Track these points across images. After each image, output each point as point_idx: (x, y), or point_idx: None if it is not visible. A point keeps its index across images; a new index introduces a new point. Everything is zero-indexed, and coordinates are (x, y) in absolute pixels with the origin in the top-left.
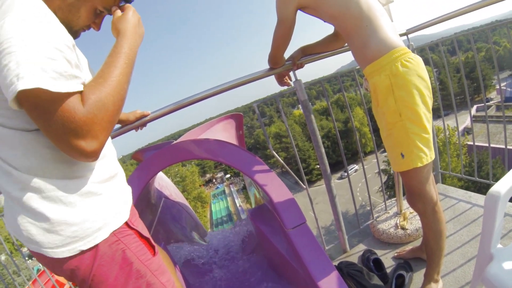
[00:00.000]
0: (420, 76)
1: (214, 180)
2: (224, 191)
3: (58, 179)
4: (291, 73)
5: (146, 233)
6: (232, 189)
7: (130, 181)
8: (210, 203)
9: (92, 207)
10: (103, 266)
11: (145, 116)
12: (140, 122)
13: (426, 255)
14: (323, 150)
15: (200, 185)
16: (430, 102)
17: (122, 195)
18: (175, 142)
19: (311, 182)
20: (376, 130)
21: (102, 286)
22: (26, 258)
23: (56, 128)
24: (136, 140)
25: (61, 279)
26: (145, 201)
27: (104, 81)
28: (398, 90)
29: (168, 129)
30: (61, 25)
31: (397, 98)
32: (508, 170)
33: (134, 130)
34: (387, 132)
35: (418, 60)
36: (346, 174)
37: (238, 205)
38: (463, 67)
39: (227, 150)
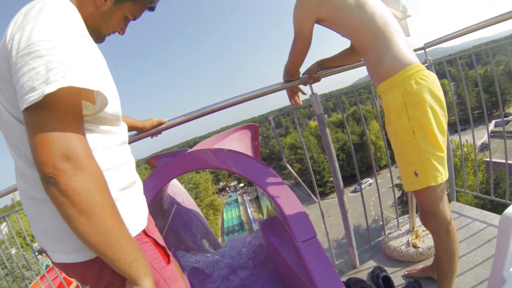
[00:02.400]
0: (434, 94)
1: (227, 189)
2: (237, 199)
3: None
4: (307, 86)
5: (161, 241)
6: (245, 198)
7: (144, 186)
8: (222, 211)
9: None
10: (117, 273)
11: (161, 123)
12: (155, 130)
13: (438, 275)
14: (337, 164)
15: (213, 193)
16: (444, 120)
17: (140, 203)
18: (190, 150)
19: (324, 194)
20: (391, 145)
21: None
22: (36, 254)
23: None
24: (150, 145)
25: None
26: (157, 207)
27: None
28: (412, 108)
29: (183, 136)
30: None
31: (410, 116)
32: None
33: (150, 137)
34: (399, 150)
35: (433, 78)
36: (359, 188)
37: (250, 214)
38: (481, 81)
39: (241, 161)
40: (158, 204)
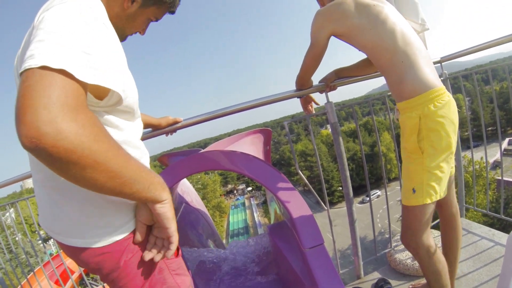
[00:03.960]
0: (450, 119)
1: (235, 191)
2: (244, 203)
3: None
4: (323, 94)
5: None
6: (252, 202)
7: None
8: (228, 213)
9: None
10: (129, 259)
11: (177, 122)
12: (170, 129)
13: None
14: (348, 173)
15: (220, 195)
16: (454, 143)
17: None
18: (202, 150)
19: (332, 204)
20: (400, 159)
21: (126, 278)
22: (40, 242)
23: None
24: (161, 143)
25: (73, 265)
26: None
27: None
28: (425, 130)
29: (194, 136)
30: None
31: (423, 137)
32: None
33: (164, 135)
34: (405, 164)
35: (451, 103)
36: (368, 198)
37: (256, 218)
38: (496, 98)
39: (253, 164)
40: None
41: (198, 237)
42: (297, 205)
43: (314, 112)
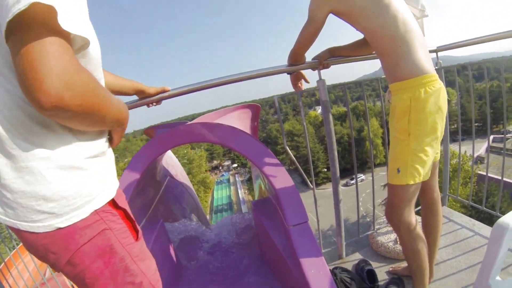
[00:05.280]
0: (438, 106)
1: (220, 168)
2: (228, 179)
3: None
4: (315, 72)
5: (131, 215)
6: (237, 179)
7: (139, 154)
8: (213, 189)
9: (75, 183)
10: (81, 247)
11: (165, 91)
12: (158, 97)
13: (410, 273)
14: (336, 152)
15: (206, 170)
16: (440, 130)
17: (108, 173)
18: (189, 122)
19: (316, 185)
20: (388, 143)
21: (78, 268)
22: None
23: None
24: (148, 117)
25: None
26: (150, 176)
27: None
28: (414, 113)
29: (181, 111)
30: None
31: (411, 120)
32: None
33: (146, 106)
34: (392, 145)
35: (441, 90)
36: (352, 182)
37: (240, 195)
38: (488, 94)
39: (240, 138)
40: (151, 173)
41: (181, 211)
42: (283, 181)
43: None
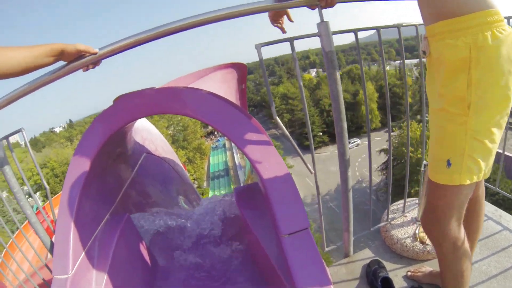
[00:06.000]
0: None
1: (215, 133)
2: (224, 144)
3: None
4: (315, 11)
5: None
6: (232, 144)
7: (89, 132)
8: (209, 155)
9: None
10: None
11: (92, 54)
12: (88, 59)
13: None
14: (345, 124)
15: (201, 136)
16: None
17: None
18: (155, 88)
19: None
20: (383, 109)
21: None
22: (27, 196)
23: None
24: (112, 94)
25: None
26: (113, 157)
27: None
28: (479, 70)
29: (154, 82)
30: None
31: (473, 82)
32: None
33: (82, 70)
34: (438, 122)
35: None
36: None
37: (236, 160)
38: None
39: (213, 105)
40: (114, 153)
41: (163, 193)
42: (274, 169)
43: (286, 32)
